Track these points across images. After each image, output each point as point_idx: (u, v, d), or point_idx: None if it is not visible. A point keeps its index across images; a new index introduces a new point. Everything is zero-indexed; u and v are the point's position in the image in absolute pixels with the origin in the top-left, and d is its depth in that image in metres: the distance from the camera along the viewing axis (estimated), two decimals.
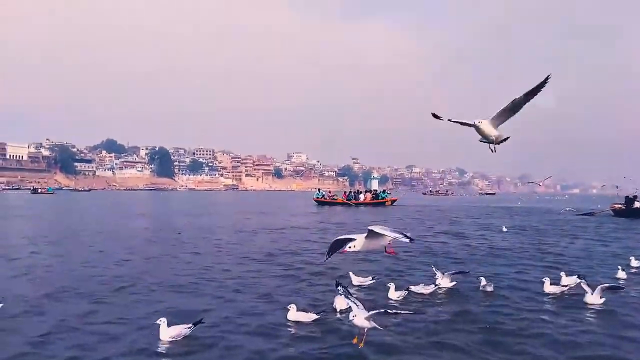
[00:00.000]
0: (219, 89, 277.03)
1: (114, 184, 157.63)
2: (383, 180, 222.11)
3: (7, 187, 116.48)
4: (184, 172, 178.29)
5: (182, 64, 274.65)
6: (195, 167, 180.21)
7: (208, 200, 65.65)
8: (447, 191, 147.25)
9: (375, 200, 45.67)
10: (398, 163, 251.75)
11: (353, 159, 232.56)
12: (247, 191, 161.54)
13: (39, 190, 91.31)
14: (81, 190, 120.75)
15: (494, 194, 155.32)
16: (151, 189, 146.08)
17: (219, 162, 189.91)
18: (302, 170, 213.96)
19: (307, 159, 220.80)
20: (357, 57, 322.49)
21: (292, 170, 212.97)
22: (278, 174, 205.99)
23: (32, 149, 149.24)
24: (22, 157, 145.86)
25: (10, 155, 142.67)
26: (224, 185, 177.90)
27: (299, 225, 22.88)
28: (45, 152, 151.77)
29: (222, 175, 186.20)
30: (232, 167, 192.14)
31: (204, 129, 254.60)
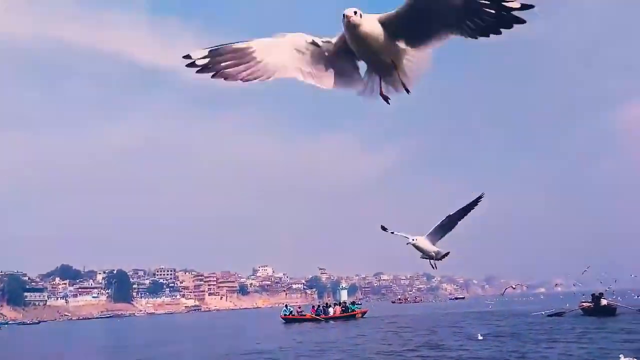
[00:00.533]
0: (181, 202, 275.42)
1: (67, 313, 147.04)
2: (352, 290, 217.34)
3: None
4: (143, 295, 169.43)
5: (140, 176, 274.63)
6: (155, 289, 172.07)
7: (167, 325, 61.66)
8: (415, 298, 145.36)
9: (345, 314, 44.08)
10: (366, 271, 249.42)
11: (320, 269, 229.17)
12: (210, 311, 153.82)
13: None
14: (29, 323, 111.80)
15: (463, 298, 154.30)
16: (107, 317, 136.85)
17: (181, 282, 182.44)
18: (269, 285, 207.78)
19: (274, 272, 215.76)
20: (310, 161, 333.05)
21: (257, 285, 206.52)
22: (243, 290, 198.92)
23: None
24: None
25: None
26: (186, 306, 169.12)
27: (266, 350, 21.41)
28: None
29: (183, 296, 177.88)
30: (195, 286, 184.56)
31: (166, 247, 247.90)
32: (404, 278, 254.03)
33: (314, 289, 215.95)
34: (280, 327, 39.15)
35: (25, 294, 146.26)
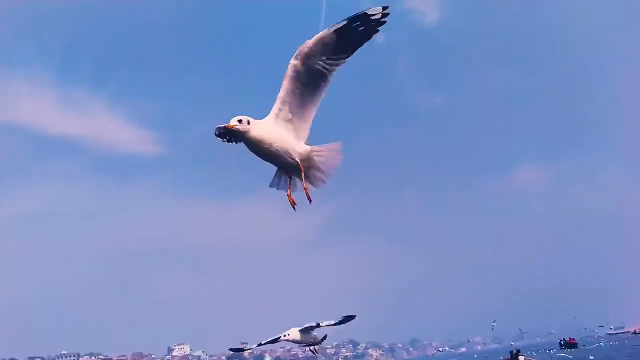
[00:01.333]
0: (76, 280, 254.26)
1: None
2: None
3: None
4: None
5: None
6: None
7: None
8: None
9: None
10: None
11: (242, 343, 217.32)
12: None
13: None
14: None
15: None
16: None
17: None
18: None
19: (191, 350, 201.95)
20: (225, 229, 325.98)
21: None
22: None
23: None
24: None
25: None
26: None
27: None
28: None
29: None
30: None
31: (66, 329, 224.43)
32: (330, 347, 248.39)
33: None
34: None
35: None
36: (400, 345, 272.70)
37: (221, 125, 3.61)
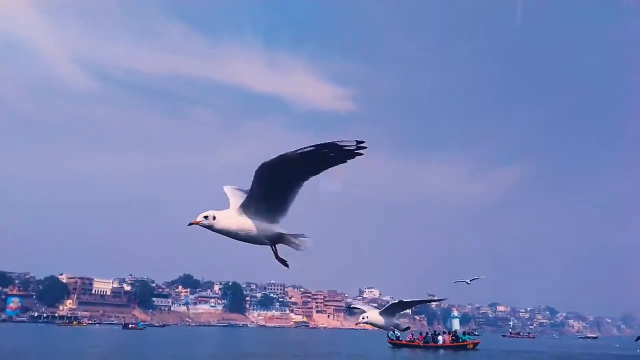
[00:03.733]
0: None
1: (188, 319, 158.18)
2: (464, 319, 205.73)
3: (90, 322, 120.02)
4: (255, 307, 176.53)
5: None
6: (266, 302, 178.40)
7: (282, 339, 62.68)
8: (529, 333, 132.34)
9: (455, 343, 40.99)
10: (480, 300, 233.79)
11: (430, 295, 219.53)
12: (317, 328, 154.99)
13: (130, 326, 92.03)
14: (157, 326, 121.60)
15: (595, 337, 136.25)
16: (223, 325, 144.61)
17: (290, 298, 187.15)
18: (375, 307, 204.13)
19: (380, 294, 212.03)
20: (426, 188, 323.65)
21: None
22: (350, 310, 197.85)
23: (116, 284, 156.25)
24: (106, 292, 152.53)
25: (95, 290, 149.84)
26: (294, 321, 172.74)
27: None
28: (127, 287, 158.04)
29: (292, 311, 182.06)
30: (303, 302, 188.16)
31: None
32: (523, 311, 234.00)
33: (423, 315, 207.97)
34: (388, 351, 37.42)
35: (153, 299, 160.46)
36: (609, 320, 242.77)
37: (189, 223, 3.96)
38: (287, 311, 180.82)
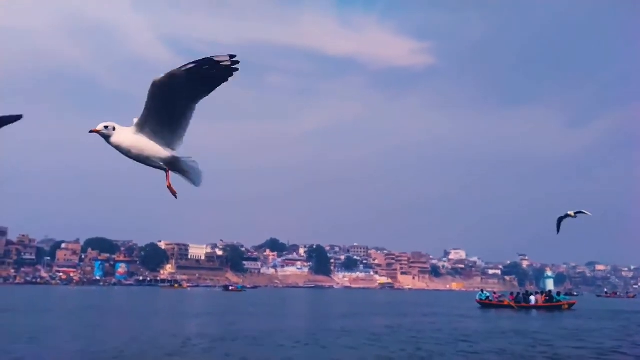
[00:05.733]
0: (372, 187, 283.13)
1: (276, 281, 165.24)
2: (559, 279, 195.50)
3: (189, 285, 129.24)
4: (339, 269, 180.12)
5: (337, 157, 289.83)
6: (350, 265, 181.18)
7: (373, 299, 63.27)
8: (627, 293, 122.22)
9: (549, 304, 38.47)
10: (577, 259, 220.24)
11: (520, 255, 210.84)
12: (402, 290, 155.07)
13: (230, 288, 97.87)
14: (249, 288, 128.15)
15: None
16: (310, 287, 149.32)
17: (373, 260, 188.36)
18: (462, 269, 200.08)
19: (467, 255, 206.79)
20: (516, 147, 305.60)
21: (450, 268, 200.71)
22: (435, 272, 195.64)
23: (209, 249, 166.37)
24: (201, 257, 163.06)
25: (191, 256, 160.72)
26: (379, 283, 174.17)
27: (468, 332, 19.22)
28: (219, 252, 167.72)
29: (376, 273, 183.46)
30: (387, 264, 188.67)
31: (359, 226, 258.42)
32: (626, 270, 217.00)
33: (514, 276, 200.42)
34: (477, 312, 36.00)
35: (244, 262, 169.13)
36: None
37: (90, 130, 3.92)
38: (372, 273, 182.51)
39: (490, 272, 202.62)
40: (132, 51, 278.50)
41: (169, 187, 4.17)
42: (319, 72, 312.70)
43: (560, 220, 24.22)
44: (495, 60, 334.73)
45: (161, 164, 4.03)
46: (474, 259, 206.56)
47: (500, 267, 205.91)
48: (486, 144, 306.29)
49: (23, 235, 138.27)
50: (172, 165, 4.08)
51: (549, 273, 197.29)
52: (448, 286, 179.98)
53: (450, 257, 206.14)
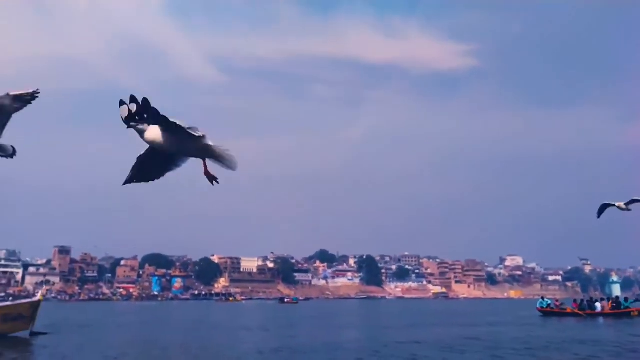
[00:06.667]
0: (422, 194, 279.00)
1: (328, 292, 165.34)
2: (626, 284, 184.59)
3: (243, 297, 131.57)
4: (390, 279, 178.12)
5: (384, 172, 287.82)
6: (401, 274, 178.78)
7: (429, 308, 62.36)
8: None
9: (617, 310, 36.59)
10: None
11: (582, 259, 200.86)
12: (458, 299, 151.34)
13: (285, 300, 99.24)
14: (302, 300, 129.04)
15: None
16: (362, 298, 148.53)
17: (426, 269, 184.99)
18: (519, 275, 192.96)
19: (524, 261, 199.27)
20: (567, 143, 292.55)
21: (507, 275, 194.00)
22: (491, 279, 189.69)
23: (260, 262, 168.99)
24: (253, 269, 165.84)
25: (243, 269, 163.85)
26: (433, 292, 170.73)
27: (530, 342, 18.82)
28: (270, 265, 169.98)
29: (429, 282, 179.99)
30: (440, 273, 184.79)
31: (409, 234, 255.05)
32: None
33: (576, 282, 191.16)
34: (539, 320, 34.86)
35: (294, 274, 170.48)
36: None
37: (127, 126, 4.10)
38: (425, 282, 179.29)
39: (550, 278, 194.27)
40: (180, 72, 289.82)
41: (206, 173, 4.29)
42: (363, 80, 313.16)
43: (604, 207, 20.09)
44: (539, 59, 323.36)
45: (195, 153, 4.19)
46: (532, 265, 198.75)
47: (561, 272, 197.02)
48: (538, 144, 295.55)
49: (85, 254, 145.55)
50: (205, 153, 4.16)
51: (615, 278, 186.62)
52: (506, 294, 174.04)
53: (506, 263, 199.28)
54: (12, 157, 5.50)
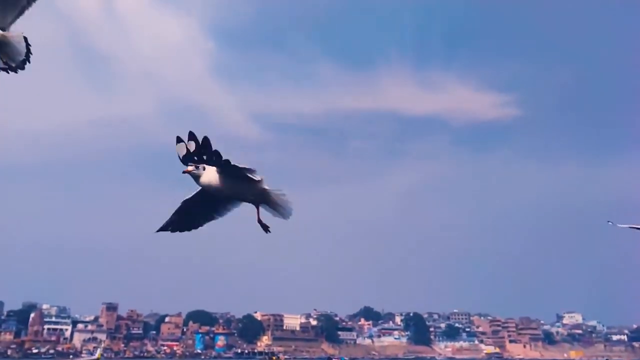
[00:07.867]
0: (470, 248, 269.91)
1: (374, 352, 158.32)
2: None
3: (286, 357, 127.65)
4: (439, 338, 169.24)
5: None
6: (451, 333, 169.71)
7: None
8: None
9: None
10: None
11: None
12: None
13: None
14: None
15: None
16: (410, 358, 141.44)
17: (477, 327, 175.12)
18: (580, 334, 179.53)
19: (584, 319, 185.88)
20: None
21: (565, 334, 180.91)
22: (548, 338, 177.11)
23: (303, 319, 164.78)
24: (295, 327, 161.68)
25: (285, 326, 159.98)
26: (486, 353, 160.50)
27: None
28: (313, 322, 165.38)
29: (481, 341, 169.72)
30: (492, 332, 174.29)
31: (457, 290, 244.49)
32: None
33: None
34: None
35: (338, 332, 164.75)
36: None
37: (183, 171, 4.08)
38: (476, 341, 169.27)
39: (614, 337, 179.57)
40: (225, 130, 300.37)
41: (260, 221, 4.22)
42: (402, 134, 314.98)
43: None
44: (586, 106, 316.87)
45: (251, 197, 4.04)
46: (593, 322, 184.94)
47: (626, 331, 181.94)
48: (592, 194, 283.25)
49: (132, 310, 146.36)
50: (262, 197, 4.04)
51: None
52: (565, 355, 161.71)
53: (564, 321, 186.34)
54: (15, 71, 4.31)
